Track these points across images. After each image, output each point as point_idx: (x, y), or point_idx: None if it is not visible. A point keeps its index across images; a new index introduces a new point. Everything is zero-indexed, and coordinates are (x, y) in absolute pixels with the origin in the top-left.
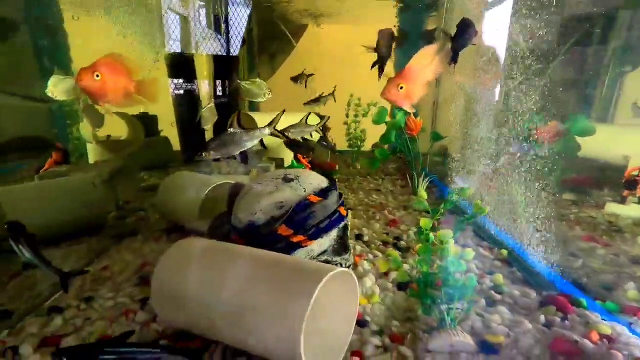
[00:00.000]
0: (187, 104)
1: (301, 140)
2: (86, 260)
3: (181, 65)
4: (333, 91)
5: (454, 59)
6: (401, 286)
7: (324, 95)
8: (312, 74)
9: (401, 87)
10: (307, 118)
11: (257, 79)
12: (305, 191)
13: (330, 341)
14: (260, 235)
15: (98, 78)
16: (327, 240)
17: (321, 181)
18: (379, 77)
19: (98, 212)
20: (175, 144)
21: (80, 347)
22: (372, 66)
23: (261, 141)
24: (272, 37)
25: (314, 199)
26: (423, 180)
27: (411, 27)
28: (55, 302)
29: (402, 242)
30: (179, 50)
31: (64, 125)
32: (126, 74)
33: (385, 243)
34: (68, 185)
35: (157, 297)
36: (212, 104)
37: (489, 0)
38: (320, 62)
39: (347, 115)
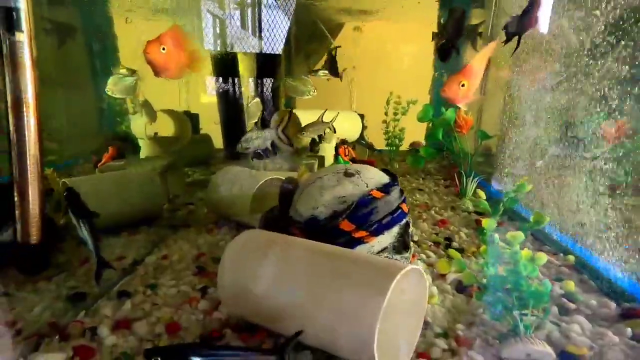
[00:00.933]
0: (231, 102)
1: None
2: (147, 249)
3: (225, 64)
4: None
5: (516, 42)
6: (460, 289)
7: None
8: (345, 69)
9: (462, 85)
10: (322, 116)
11: (303, 76)
12: (367, 186)
13: (399, 339)
14: (322, 230)
15: (164, 51)
16: (388, 237)
17: (382, 177)
18: (445, 60)
19: (155, 204)
20: (216, 142)
21: (172, 347)
22: (440, 49)
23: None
24: (308, 36)
25: (377, 194)
26: (472, 180)
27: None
28: (124, 287)
29: (455, 244)
30: (223, 49)
31: (113, 123)
32: (184, 47)
33: (436, 243)
34: (129, 178)
35: (223, 287)
36: (257, 99)
37: None
38: (359, 60)
39: (386, 114)
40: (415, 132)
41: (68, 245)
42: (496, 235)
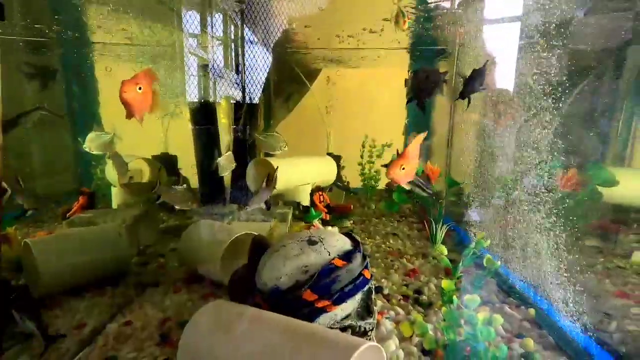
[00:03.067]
0: (207, 149)
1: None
2: (109, 314)
3: (202, 112)
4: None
5: (466, 97)
6: (426, 352)
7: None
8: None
9: (403, 168)
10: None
11: (275, 132)
12: (329, 254)
13: None
14: (285, 300)
15: (140, 90)
16: (351, 305)
17: (345, 243)
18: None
19: (123, 260)
20: (195, 185)
21: None
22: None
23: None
24: (287, 80)
25: (339, 263)
26: (441, 228)
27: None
28: None
29: (424, 297)
30: (199, 99)
31: (88, 166)
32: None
33: (405, 297)
34: (96, 234)
35: None
36: (230, 153)
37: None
38: (335, 103)
39: (361, 156)
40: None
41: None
42: (455, 298)
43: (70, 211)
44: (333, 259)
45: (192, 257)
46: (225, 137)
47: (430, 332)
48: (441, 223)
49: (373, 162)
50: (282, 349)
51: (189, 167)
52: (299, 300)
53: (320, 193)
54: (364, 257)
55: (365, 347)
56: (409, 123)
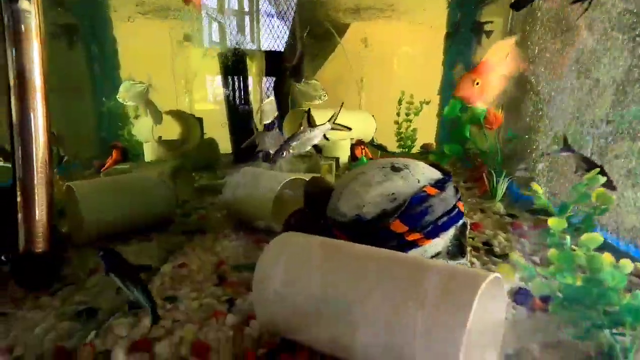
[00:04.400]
0: (239, 104)
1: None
2: (161, 257)
3: (233, 64)
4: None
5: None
6: (520, 301)
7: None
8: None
9: (477, 83)
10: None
11: (313, 80)
12: (419, 182)
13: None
14: (369, 232)
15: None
16: (443, 240)
17: (434, 172)
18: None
19: (167, 208)
20: (222, 146)
21: None
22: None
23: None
24: (314, 37)
25: (432, 191)
26: (503, 180)
27: (462, 18)
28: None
29: (496, 249)
30: (230, 48)
31: (114, 127)
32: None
33: (475, 248)
34: (138, 181)
35: (259, 298)
36: (272, 98)
37: None
38: (368, 61)
39: (398, 114)
40: (426, 133)
41: (73, 255)
42: (567, 237)
43: (105, 166)
44: (424, 186)
45: (238, 205)
46: (257, 88)
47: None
48: (503, 177)
49: (411, 121)
50: (382, 277)
51: (214, 128)
52: (387, 231)
53: (363, 147)
54: (457, 189)
55: (493, 277)
56: (445, 81)
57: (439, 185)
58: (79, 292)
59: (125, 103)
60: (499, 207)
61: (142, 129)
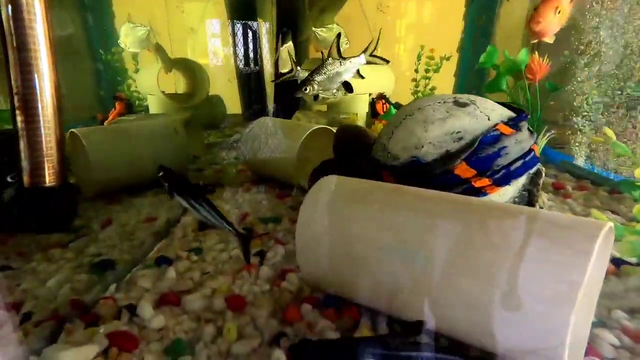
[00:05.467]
0: (250, 55)
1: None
2: (180, 208)
3: (242, 8)
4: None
5: None
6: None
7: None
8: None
9: (559, 11)
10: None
11: (335, 25)
12: (489, 119)
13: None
14: (428, 176)
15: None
16: (512, 189)
17: (504, 109)
18: None
19: (181, 158)
20: (229, 104)
21: (330, 344)
22: None
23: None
24: None
25: (506, 130)
26: (544, 136)
27: None
28: (161, 253)
29: (544, 209)
30: None
31: (113, 83)
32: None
33: None
34: (150, 128)
35: (304, 247)
36: (290, 44)
37: None
38: (381, 14)
39: (416, 71)
40: (445, 92)
41: (85, 207)
42: None
43: (108, 118)
44: (496, 124)
45: (258, 160)
46: (268, 35)
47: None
48: (544, 132)
49: (429, 78)
50: (461, 223)
51: (220, 86)
52: (449, 175)
53: (384, 102)
54: (531, 130)
55: (609, 227)
56: (466, 40)
57: (514, 124)
58: (93, 244)
59: (127, 49)
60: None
61: (145, 81)
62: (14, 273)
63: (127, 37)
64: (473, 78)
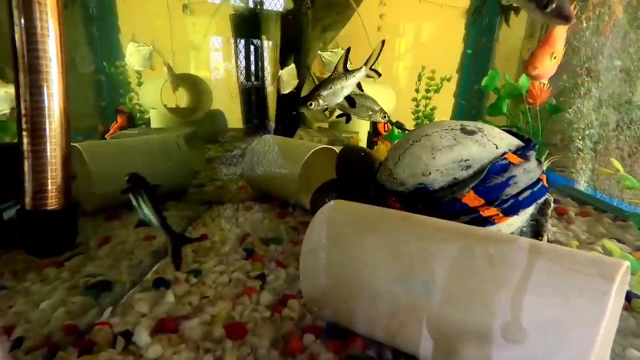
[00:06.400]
0: (254, 72)
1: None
2: (181, 227)
3: (247, 25)
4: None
5: None
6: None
7: None
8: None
9: (554, 57)
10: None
11: (340, 49)
12: (497, 148)
13: None
14: (435, 204)
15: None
16: (520, 219)
17: (511, 138)
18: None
19: (183, 176)
20: (230, 118)
21: None
22: None
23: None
24: (326, 7)
25: (515, 159)
26: (544, 161)
27: None
28: (160, 274)
29: (548, 235)
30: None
31: (115, 95)
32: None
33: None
34: (152, 143)
35: (308, 274)
36: (292, 66)
37: None
38: (383, 34)
39: (417, 91)
40: (442, 114)
41: (83, 223)
42: None
43: (109, 132)
44: (504, 153)
45: (261, 177)
46: (272, 53)
47: None
48: (543, 158)
49: (430, 98)
50: (477, 255)
51: (222, 100)
52: (457, 204)
53: (386, 121)
54: (539, 160)
55: (626, 266)
56: (466, 61)
57: (522, 153)
58: (90, 263)
59: (132, 68)
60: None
61: (147, 94)
62: (7, 293)
63: (132, 56)
64: (473, 99)
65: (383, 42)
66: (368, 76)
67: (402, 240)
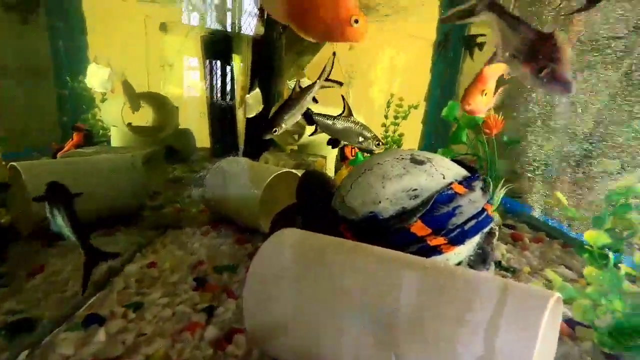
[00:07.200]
0: (222, 93)
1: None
2: (127, 253)
3: (218, 48)
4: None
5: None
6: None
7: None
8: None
9: (485, 94)
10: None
11: (306, 78)
12: (444, 178)
13: None
14: (386, 233)
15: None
16: (466, 249)
17: (459, 168)
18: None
19: (136, 198)
20: (199, 137)
21: None
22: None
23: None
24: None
25: (460, 189)
26: (501, 189)
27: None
28: (94, 309)
29: (502, 261)
30: (214, 28)
31: (77, 111)
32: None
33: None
34: (103, 163)
35: (253, 309)
36: (258, 90)
37: None
38: (356, 61)
39: (385, 117)
40: (410, 141)
41: (15, 248)
42: (611, 254)
43: (63, 149)
44: (451, 183)
45: (220, 200)
46: (241, 77)
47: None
48: (500, 185)
49: (398, 124)
50: (426, 288)
51: (191, 119)
52: (405, 233)
53: (352, 146)
54: (484, 190)
55: (557, 297)
56: (433, 90)
57: (468, 183)
58: (13, 298)
59: (93, 89)
60: (496, 217)
61: (109, 112)
62: None
63: (92, 77)
64: (439, 126)
65: (334, 54)
66: (325, 87)
67: (346, 273)
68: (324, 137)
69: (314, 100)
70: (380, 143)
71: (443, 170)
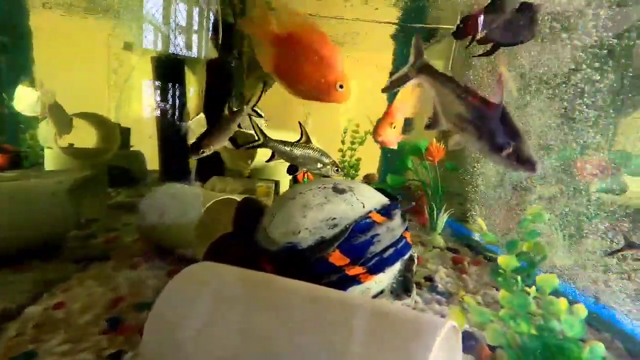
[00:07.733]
0: (172, 116)
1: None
2: (31, 293)
3: (169, 69)
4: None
5: (492, 51)
6: (469, 347)
7: None
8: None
9: (394, 126)
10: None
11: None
12: (364, 207)
13: None
14: (303, 263)
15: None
16: (387, 276)
17: (380, 196)
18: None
19: (58, 228)
20: (150, 160)
21: None
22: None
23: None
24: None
25: (378, 218)
26: (443, 214)
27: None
28: None
29: (438, 285)
30: (166, 52)
31: (15, 130)
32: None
33: (417, 284)
34: (17, 192)
35: (154, 354)
36: (201, 115)
37: None
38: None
39: (342, 142)
40: (369, 165)
41: None
42: (519, 278)
43: None
44: (369, 212)
45: (155, 228)
46: (195, 100)
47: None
48: (443, 210)
49: (354, 150)
50: (323, 323)
51: (142, 140)
52: (324, 263)
53: (305, 171)
54: (404, 217)
55: (450, 326)
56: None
57: (386, 212)
58: None
59: (22, 113)
60: (439, 240)
61: (44, 132)
62: None
63: (20, 101)
64: (394, 152)
65: (264, 83)
66: (249, 115)
67: (257, 313)
68: (276, 162)
69: (257, 114)
70: (339, 169)
71: (364, 200)
